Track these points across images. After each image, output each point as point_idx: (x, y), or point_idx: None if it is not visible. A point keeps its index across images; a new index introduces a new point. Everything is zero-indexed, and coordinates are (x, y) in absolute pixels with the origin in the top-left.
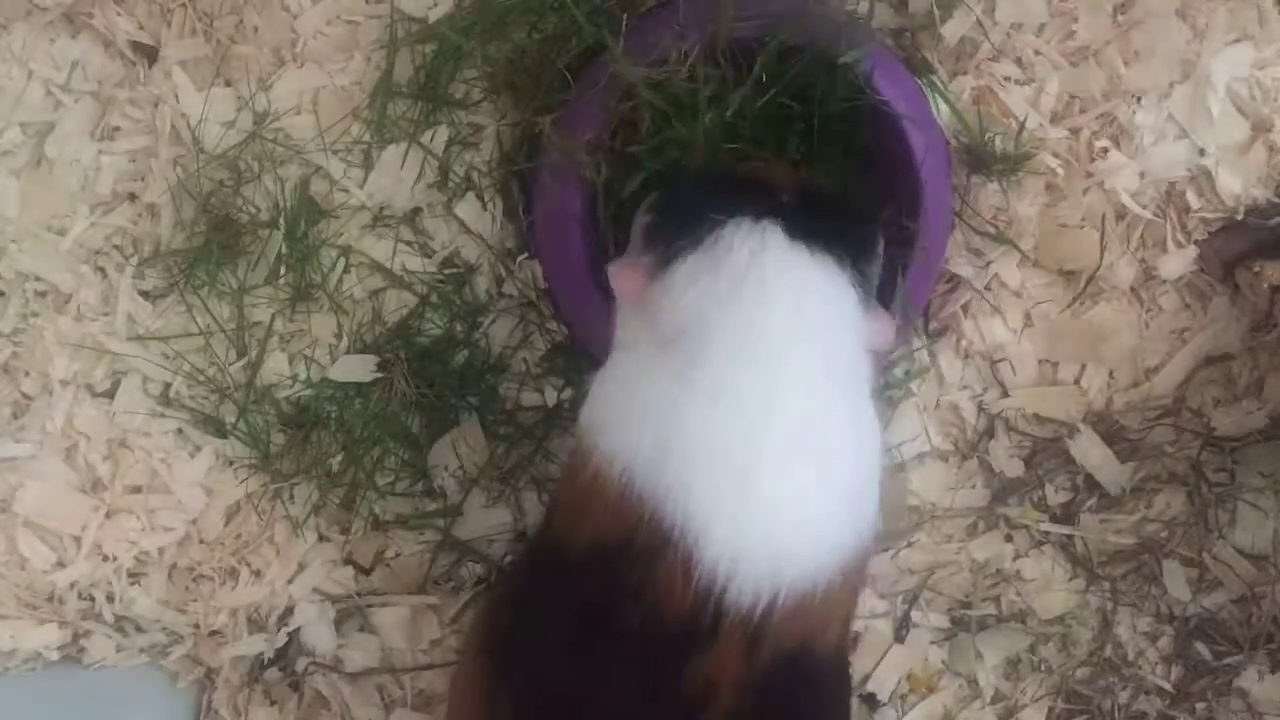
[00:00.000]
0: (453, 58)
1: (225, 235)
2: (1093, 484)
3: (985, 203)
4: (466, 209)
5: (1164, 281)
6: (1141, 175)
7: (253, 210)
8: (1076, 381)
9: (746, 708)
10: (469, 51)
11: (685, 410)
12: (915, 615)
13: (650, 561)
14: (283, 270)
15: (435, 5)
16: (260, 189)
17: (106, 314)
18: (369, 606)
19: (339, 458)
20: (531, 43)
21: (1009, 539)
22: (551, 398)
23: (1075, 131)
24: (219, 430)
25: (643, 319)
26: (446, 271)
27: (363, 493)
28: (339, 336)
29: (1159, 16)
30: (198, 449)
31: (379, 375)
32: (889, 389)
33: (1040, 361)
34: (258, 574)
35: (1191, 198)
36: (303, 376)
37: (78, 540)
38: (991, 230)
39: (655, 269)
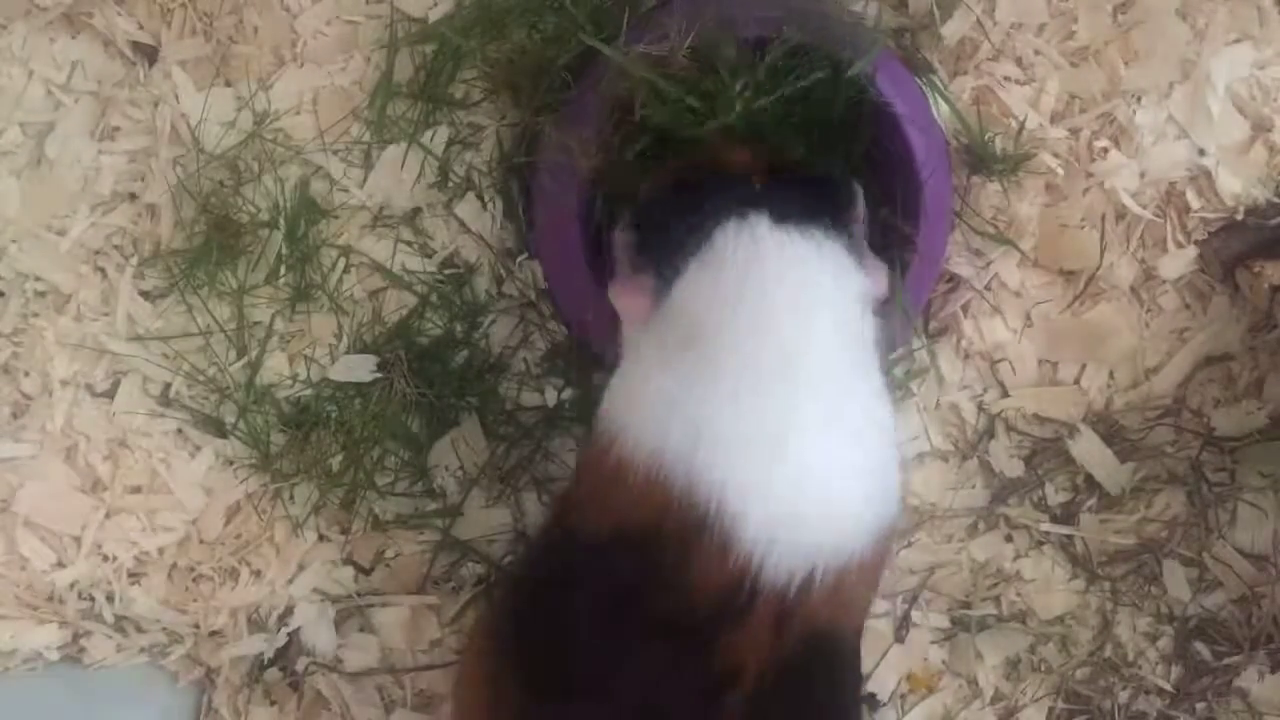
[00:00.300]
0: (453, 58)
1: (225, 235)
2: (1093, 484)
3: (985, 203)
4: (466, 209)
5: (1164, 281)
6: (1141, 175)
7: (253, 210)
8: (1076, 381)
9: (771, 684)
10: (469, 51)
11: (711, 396)
12: (915, 615)
13: (683, 544)
14: (283, 270)
15: (435, 5)
16: (260, 189)
17: (106, 314)
18: (369, 606)
19: (339, 458)
20: (531, 43)
21: (1009, 539)
22: (551, 398)
23: (1075, 131)
24: (219, 430)
25: (653, 331)
26: (446, 271)
27: (363, 493)
28: (339, 336)
29: (1159, 16)
30: (198, 449)
31: (379, 375)
32: (889, 389)
33: (1040, 361)
34: (258, 574)
35: (1191, 198)
36: (303, 376)
37: (78, 540)
38: (991, 230)
39: (658, 289)
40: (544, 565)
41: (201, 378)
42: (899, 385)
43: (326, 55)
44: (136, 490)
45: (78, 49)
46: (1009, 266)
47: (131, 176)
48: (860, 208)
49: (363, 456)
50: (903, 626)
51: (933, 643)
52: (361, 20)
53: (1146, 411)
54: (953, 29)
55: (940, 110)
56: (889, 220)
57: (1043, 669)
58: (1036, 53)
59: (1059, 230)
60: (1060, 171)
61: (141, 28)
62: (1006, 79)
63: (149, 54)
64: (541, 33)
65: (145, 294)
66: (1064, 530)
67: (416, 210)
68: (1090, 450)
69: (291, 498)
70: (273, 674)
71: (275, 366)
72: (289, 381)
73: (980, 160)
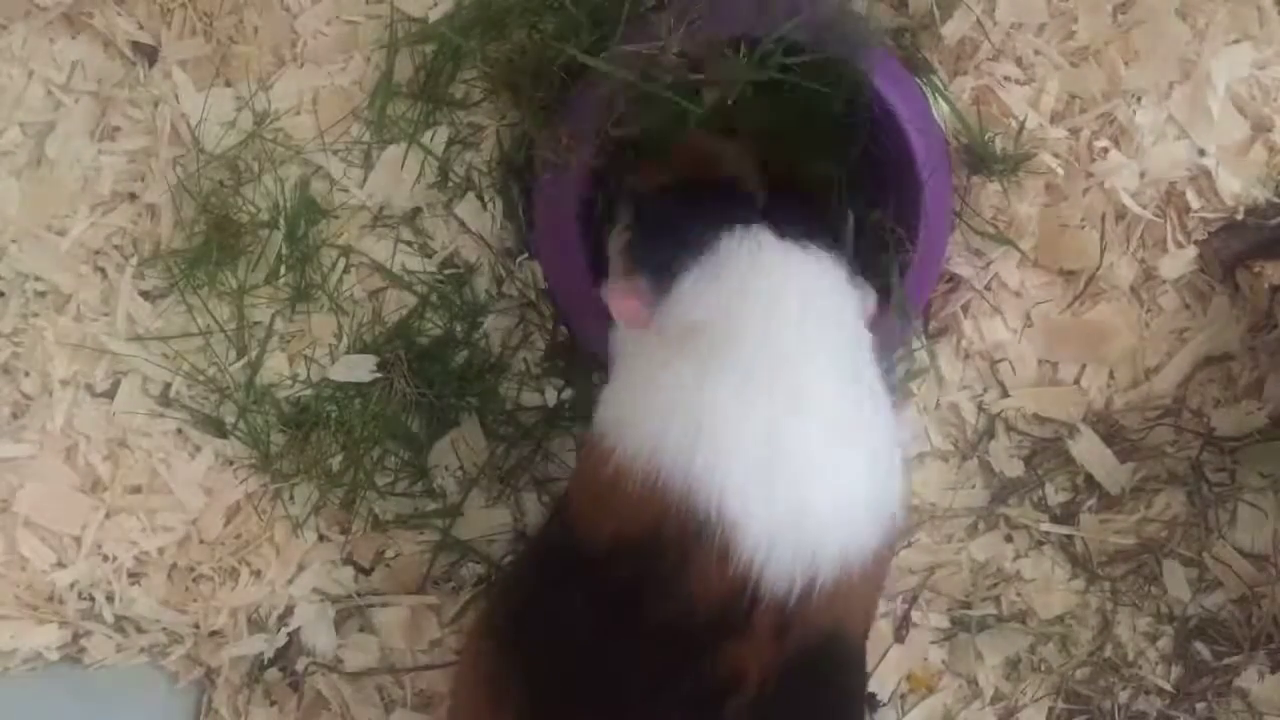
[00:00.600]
0: (453, 58)
1: (225, 235)
2: (1093, 484)
3: (985, 203)
4: (466, 209)
5: (1164, 281)
6: (1141, 175)
7: (253, 210)
8: (1076, 381)
9: (773, 692)
10: (469, 51)
11: (711, 404)
12: (915, 615)
13: (682, 551)
14: (283, 270)
15: (435, 5)
16: (260, 189)
17: (106, 314)
18: (369, 606)
19: (339, 458)
20: (531, 43)
21: (1009, 539)
22: (551, 398)
23: (1075, 131)
24: (219, 430)
25: (649, 334)
26: (446, 271)
27: (363, 493)
28: (339, 336)
29: (1159, 16)
30: (198, 449)
31: (379, 375)
32: (889, 389)
33: (1040, 361)
34: (258, 574)
35: (1191, 198)
36: (303, 376)
37: (78, 540)
38: (991, 230)
39: (656, 291)
40: (544, 567)
41: (201, 378)
42: (899, 385)
43: (326, 55)
44: (136, 490)
45: (78, 49)
46: (1009, 266)
47: (131, 176)
48: (849, 232)
49: (363, 456)
50: (903, 626)
51: (933, 643)
52: (361, 20)
53: (1146, 411)
54: (953, 29)
55: (940, 110)
56: (887, 221)
57: (1043, 669)
58: (1036, 53)
59: (1059, 230)
60: (1060, 171)
61: (141, 28)
62: (1006, 79)
63: (149, 54)
64: (541, 33)
65: (145, 294)
66: (1064, 530)
67: (416, 210)
68: (1090, 450)
69: (291, 498)
70: (273, 674)
71: (275, 366)
72: (289, 381)
73: (980, 160)
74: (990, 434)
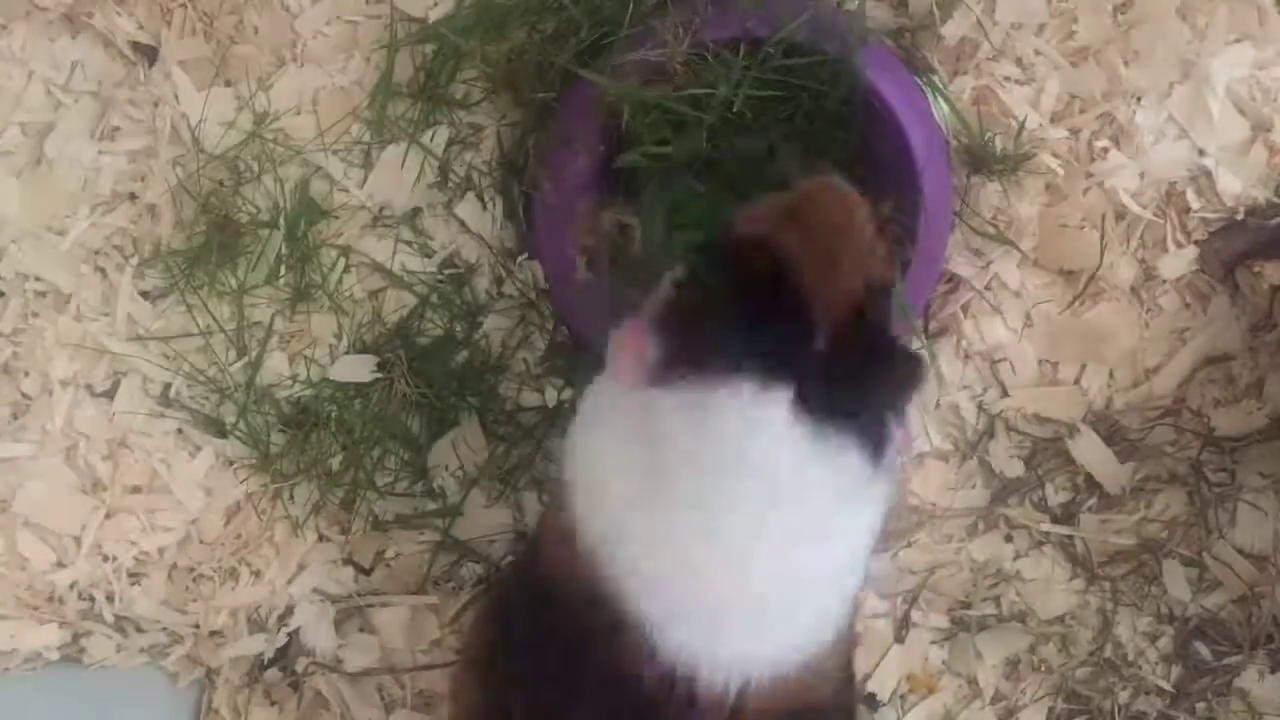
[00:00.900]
0: (453, 58)
1: (225, 235)
2: (1093, 484)
3: (985, 203)
4: (466, 209)
5: (1164, 281)
6: (1141, 175)
7: (253, 210)
8: (1076, 381)
9: None
10: (469, 51)
11: (653, 521)
12: (915, 615)
13: (616, 636)
14: (283, 270)
15: (435, 5)
16: (260, 189)
17: (106, 314)
18: (369, 606)
19: (339, 458)
20: (531, 43)
21: (1009, 539)
22: (551, 398)
23: (1075, 131)
24: (219, 430)
25: (632, 408)
26: (446, 271)
27: (363, 493)
28: (339, 336)
29: (1159, 16)
30: (198, 449)
31: (379, 375)
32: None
33: (1040, 361)
34: (258, 574)
35: (1191, 198)
36: (303, 376)
37: (78, 540)
38: (991, 230)
39: (653, 370)
40: (520, 591)
41: (201, 378)
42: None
43: (326, 55)
44: (136, 490)
45: (78, 49)
46: (1009, 266)
47: (131, 176)
48: (924, 381)
49: (363, 456)
50: (903, 626)
51: (933, 643)
52: (361, 20)
53: (1146, 411)
54: (953, 29)
55: (940, 110)
56: (897, 214)
57: (1043, 669)
58: (1036, 53)
59: (1059, 230)
60: (1060, 171)
61: (141, 28)
62: (1006, 79)
63: (149, 54)
64: (541, 33)
65: (145, 294)
66: (1064, 530)
67: (416, 210)
68: (1090, 450)
69: (291, 498)
70: (273, 674)
71: (275, 366)
72: (289, 381)
73: (980, 160)
74: (990, 434)
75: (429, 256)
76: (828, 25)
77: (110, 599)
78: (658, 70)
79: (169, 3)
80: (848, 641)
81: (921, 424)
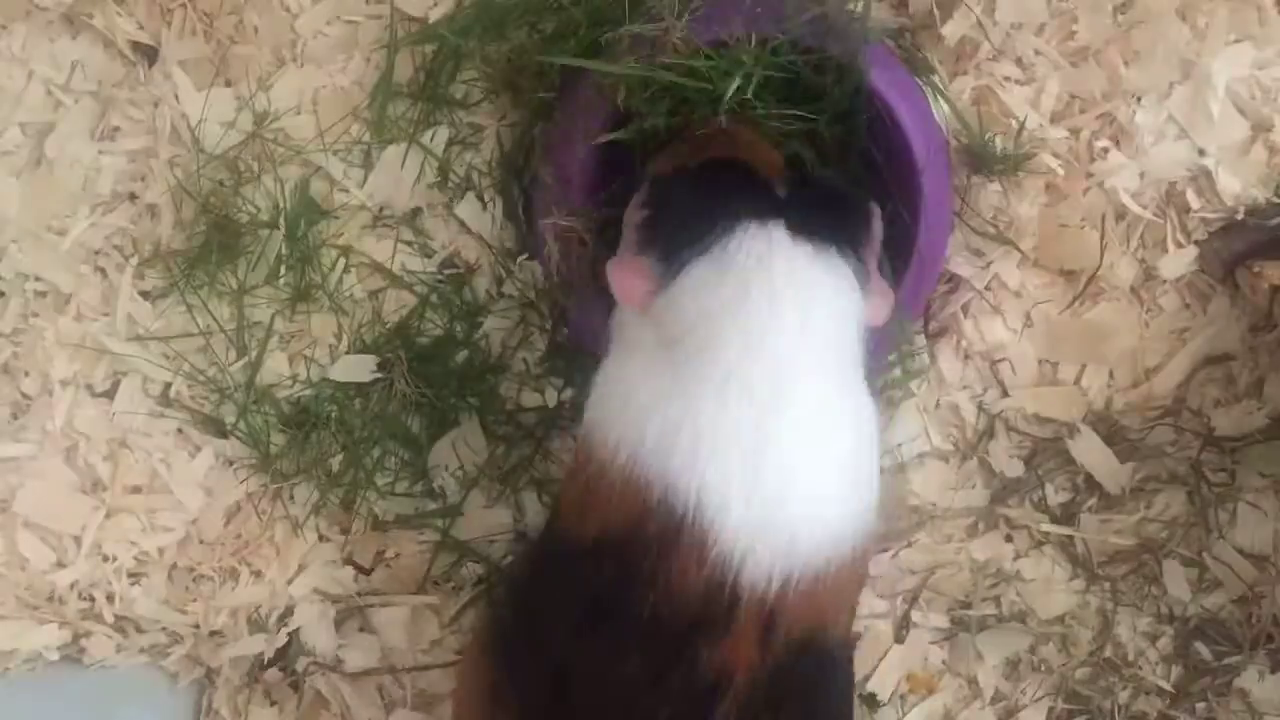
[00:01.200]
0: (453, 58)
1: (225, 235)
2: (1093, 484)
3: (985, 203)
4: (466, 209)
5: (1164, 281)
6: (1141, 175)
7: (253, 210)
8: (1076, 381)
9: (760, 693)
10: (469, 51)
11: (694, 399)
12: (915, 615)
13: (663, 547)
14: (283, 270)
15: (435, 5)
16: (260, 189)
17: (106, 314)
18: (369, 606)
19: (339, 458)
20: (531, 43)
21: (1009, 539)
22: (551, 398)
23: (1075, 131)
24: (219, 430)
25: (647, 319)
26: (446, 271)
27: (363, 493)
28: (339, 336)
29: (1159, 16)
30: (198, 449)
31: (379, 375)
32: (889, 389)
33: (1040, 361)
34: (258, 574)
35: (1191, 198)
36: (303, 376)
37: (78, 540)
38: (991, 230)
39: (661, 275)
40: (537, 569)
41: (201, 378)
42: (899, 385)
43: (326, 55)
44: (136, 490)
45: (78, 49)
46: (1009, 266)
47: (131, 176)
48: (877, 229)
49: (363, 456)
50: (903, 626)
51: (933, 643)
52: (361, 20)
53: (1146, 411)
54: (953, 29)
55: (940, 110)
56: (890, 219)
57: (1043, 669)
58: (1036, 53)
59: (1059, 230)
60: (1060, 171)
61: (141, 28)
62: (1006, 79)
63: (149, 54)
64: (541, 33)
65: (145, 294)
66: (1064, 530)
67: (416, 210)
68: (1090, 450)
69: (291, 498)
70: (273, 674)
71: (275, 366)
72: (289, 381)
73: (980, 160)
74: (990, 434)
75: (429, 256)
76: (832, 24)
77: (110, 599)
78: (659, 49)
79: (169, 3)
80: (862, 574)
81: (922, 424)
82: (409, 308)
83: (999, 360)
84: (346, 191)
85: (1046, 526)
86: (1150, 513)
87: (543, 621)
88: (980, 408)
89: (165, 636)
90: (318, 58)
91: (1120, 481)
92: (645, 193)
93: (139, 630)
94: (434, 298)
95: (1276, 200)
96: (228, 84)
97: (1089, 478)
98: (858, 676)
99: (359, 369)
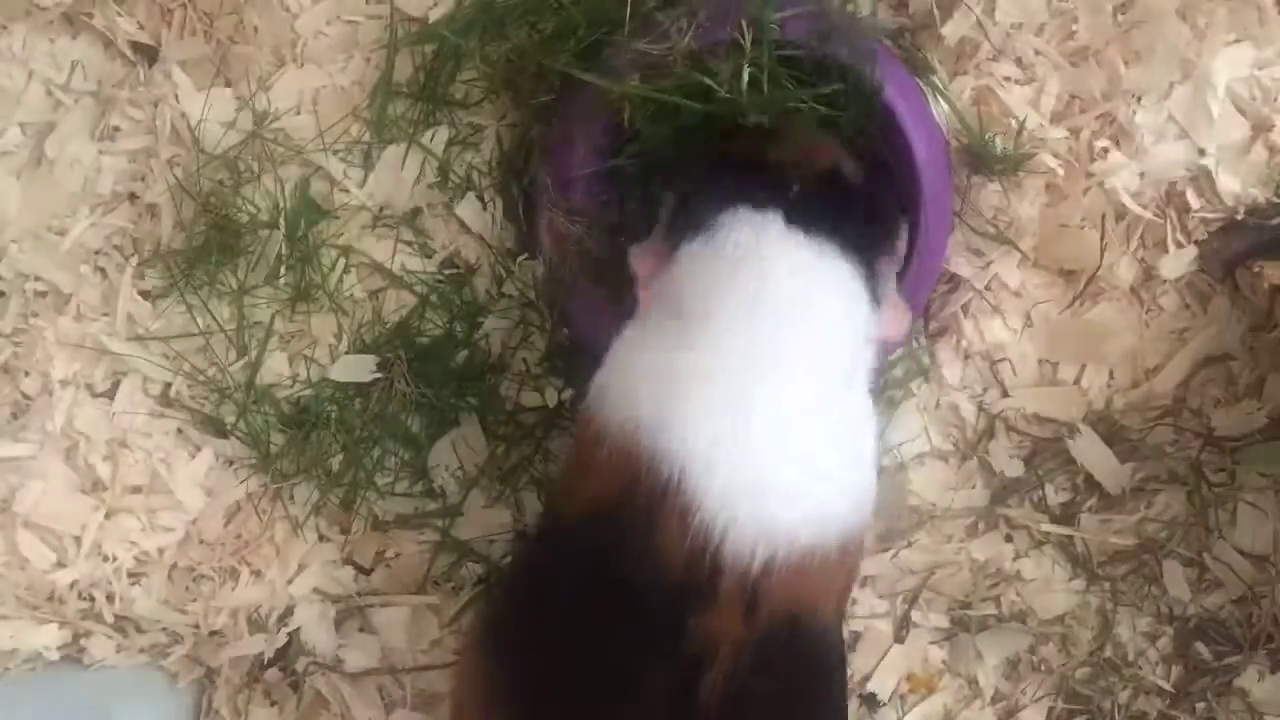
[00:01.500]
0: (453, 58)
1: (225, 235)
2: (1093, 484)
3: (985, 203)
4: (466, 209)
5: (1164, 281)
6: (1141, 175)
7: (253, 210)
8: (1076, 381)
9: (745, 668)
10: (469, 51)
11: (685, 369)
12: (915, 615)
13: (649, 513)
14: (283, 270)
15: (435, 5)
16: (260, 189)
17: (106, 314)
18: (369, 606)
19: (339, 458)
20: (531, 43)
21: (1009, 539)
22: (551, 398)
23: (1075, 131)
24: (219, 430)
25: (654, 295)
26: (446, 271)
27: (363, 493)
28: (339, 336)
29: (1159, 16)
30: (198, 449)
31: (379, 375)
32: (889, 389)
33: (1040, 361)
34: (258, 574)
35: (1191, 198)
36: (303, 376)
37: (78, 540)
38: (991, 230)
39: (666, 251)
40: (529, 559)
41: (201, 378)
42: (899, 385)
43: (326, 55)
44: (136, 490)
45: (78, 49)
46: (1009, 266)
47: (131, 176)
48: (901, 244)
49: (363, 456)
50: (903, 626)
51: (933, 643)
52: (361, 20)
53: (1146, 411)
54: (953, 29)
55: (940, 110)
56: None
57: (1043, 669)
58: (1036, 53)
59: (1059, 230)
60: (1060, 171)
61: (141, 28)
62: (1006, 79)
63: (149, 54)
64: (541, 33)
65: (145, 294)
66: (1064, 530)
67: (416, 210)
68: (1090, 450)
69: (291, 498)
70: (273, 674)
71: (275, 366)
72: (289, 381)
73: (980, 160)
74: (990, 434)
75: (429, 256)
76: (835, 26)
77: (110, 599)
78: (658, 63)
79: (169, 3)
80: (853, 566)
81: (922, 424)
82: (409, 308)
83: (999, 360)
84: (346, 191)
85: (1046, 526)
86: (1150, 513)
87: (536, 605)
88: (980, 408)
89: (165, 636)
90: (318, 58)
91: (1120, 481)
92: (673, 182)
93: (139, 630)
94: (434, 298)
95: (1276, 200)
96: (228, 84)
97: (1089, 478)
98: (858, 677)
99: (359, 369)
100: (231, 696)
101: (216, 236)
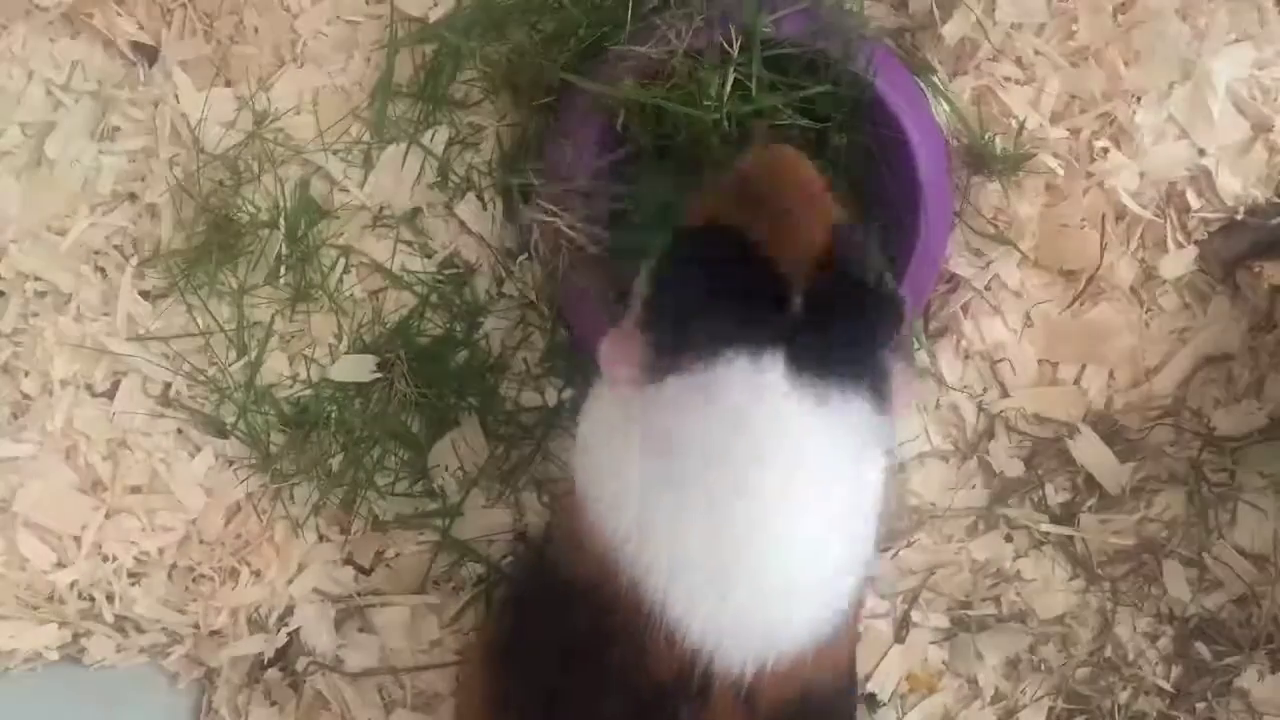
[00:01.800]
0: (453, 58)
1: (225, 235)
2: (1093, 484)
3: (985, 203)
4: (466, 209)
5: (1164, 281)
6: (1141, 175)
7: (253, 210)
8: (1076, 381)
9: None
10: (469, 51)
11: (669, 505)
12: (915, 615)
13: (634, 628)
14: (283, 270)
15: (435, 5)
16: (260, 189)
17: (106, 314)
18: (369, 606)
19: (339, 458)
20: (531, 43)
21: (1009, 539)
22: (551, 398)
23: (1075, 131)
24: (219, 430)
25: (634, 404)
26: (446, 271)
27: (363, 493)
28: (339, 336)
29: (1159, 16)
30: (198, 449)
31: (379, 375)
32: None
33: (1040, 361)
34: (258, 574)
35: (1191, 198)
36: (303, 376)
37: (78, 540)
38: (991, 230)
39: (652, 364)
40: (535, 583)
41: (201, 378)
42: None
43: (326, 55)
44: (136, 490)
45: (78, 49)
46: (1009, 266)
47: (131, 176)
48: (907, 319)
49: (363, 456)
50: (903, 626)
51: (933, 643)
52: (361, 20)
53: (1146, 411)
54: (953, 29)
55: (940, 110)
56: (889, 220)
57: (1043, 669)
58: (1036, 53)
59: (1059, 230)
60: (1060, 171)
61: (141, 28)
62: (1006, 79)
63: (149, 54)
64: (541, 33)
65: (145, 294)
66: (1064, 530)
67: (416, 210)
68: (1090, 450)
69: (291, 498)
70: (273, 674)
71: (275, 366)
72: (289, 381)
73: (980, 160)
74: (990, 434)
75: (429, 256)
76: (826, 22)
77: (110, 599)
78: (655, 68)
79: (169, 3)
80: (851, 634)
81: (922, 424)
82: (409, 308)
83: (999, 360)
84: (346, 191)
85: (1046, 526)
86: (1150, 513)
87: (537, 642)
88: (980, 408)
89: (165, 636)
90: (318, 58)
91: (1120, 481)
92: (654, 265)
93: (139, 630)
94: (434, 298)
95: (1276, 200)
96: (228, 84)
97: (1089, 478)
98: (857, 677)
99: (359, 369)
100: (231, 696)
101: (216, 236)
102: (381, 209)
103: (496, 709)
